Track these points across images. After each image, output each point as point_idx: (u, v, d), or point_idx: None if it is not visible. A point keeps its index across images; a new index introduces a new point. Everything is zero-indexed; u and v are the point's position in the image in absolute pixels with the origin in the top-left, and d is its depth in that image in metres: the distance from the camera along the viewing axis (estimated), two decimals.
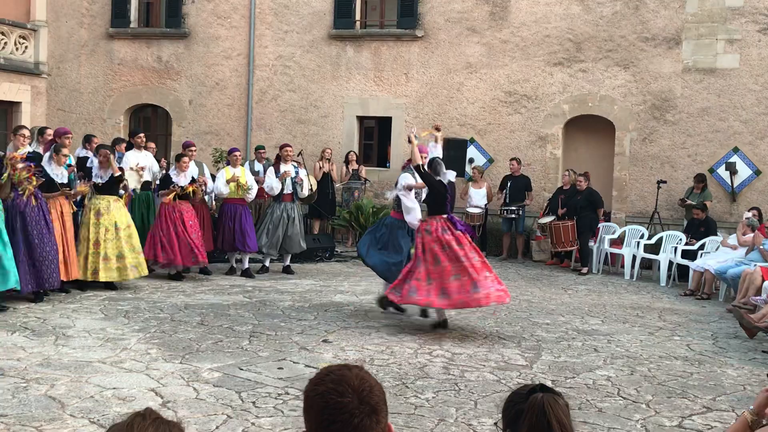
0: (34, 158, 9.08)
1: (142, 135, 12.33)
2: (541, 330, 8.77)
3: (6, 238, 8.43)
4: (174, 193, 10.99)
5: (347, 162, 15.83)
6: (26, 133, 9.68)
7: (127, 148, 12.22)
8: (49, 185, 9.30)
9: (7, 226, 8.55)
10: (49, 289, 9.30)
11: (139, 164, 11.60)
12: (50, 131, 10.83)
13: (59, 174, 9.61)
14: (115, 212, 10.06)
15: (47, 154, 9.77)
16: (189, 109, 17.90)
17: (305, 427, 1.99)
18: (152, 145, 13.08)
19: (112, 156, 10.16)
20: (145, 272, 10.35)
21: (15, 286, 8.47)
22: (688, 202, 13.92)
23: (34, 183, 8.78)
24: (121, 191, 10.45)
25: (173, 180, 11.19)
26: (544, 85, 15.60)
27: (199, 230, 11.29)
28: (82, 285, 9.93)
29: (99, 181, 10.03)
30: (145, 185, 11.73)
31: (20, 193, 8.70)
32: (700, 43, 14.61)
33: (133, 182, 11.40)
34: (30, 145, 10.27)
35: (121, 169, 10.32)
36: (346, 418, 1.92)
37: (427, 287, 8.15)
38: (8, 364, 6.47)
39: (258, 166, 13.18)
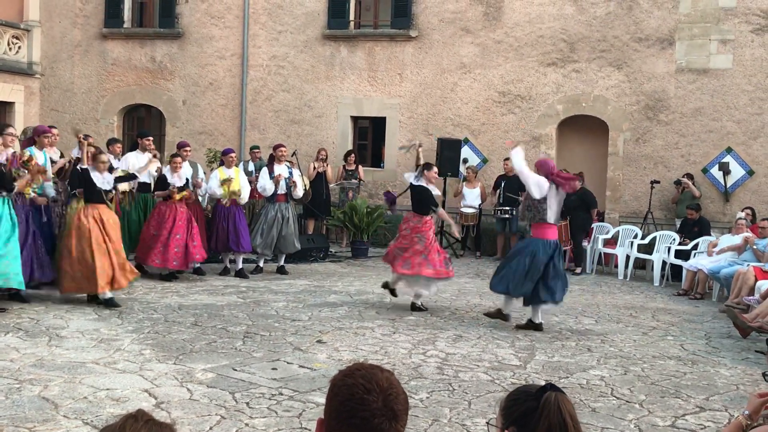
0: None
1: (150, 138, 12.20)
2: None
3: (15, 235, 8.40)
4: (171, 194, 10.95)
5: (346, 162, 15.75)
6: (12, 131, 9.57)
7: (132, 149, 12.16)
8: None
9: None
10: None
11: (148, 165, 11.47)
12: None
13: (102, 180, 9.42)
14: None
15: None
16: (183, 110, 17.88)
17: (324, 416, 2.00)
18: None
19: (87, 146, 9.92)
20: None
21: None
22: (684, 181, 14.00)
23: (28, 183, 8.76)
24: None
25: (168, 181, 11.15)
26: (538, 85, 15.62)
27: (198, 229, 11.20)
28: None
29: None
30: (144, 187, 11.62)
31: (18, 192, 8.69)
32: (694, 43, 14.65)
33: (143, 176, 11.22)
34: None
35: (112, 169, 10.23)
36: (367, 415, 1.92)
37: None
38: (1, 365, 6.46)
39: (252, 167, 13.15)
